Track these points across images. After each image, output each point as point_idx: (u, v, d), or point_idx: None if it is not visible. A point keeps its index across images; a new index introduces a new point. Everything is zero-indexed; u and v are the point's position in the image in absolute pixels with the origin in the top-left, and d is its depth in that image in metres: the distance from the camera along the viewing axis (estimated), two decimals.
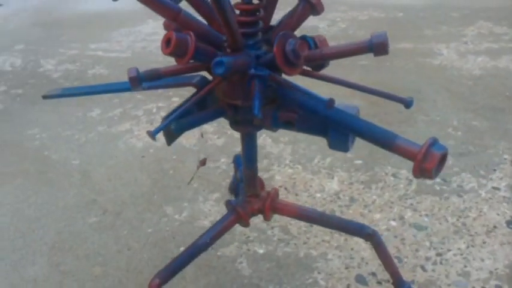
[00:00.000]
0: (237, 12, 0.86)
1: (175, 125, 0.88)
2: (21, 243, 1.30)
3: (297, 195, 1.41)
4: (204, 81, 0.95)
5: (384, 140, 0.79)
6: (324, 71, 0.93)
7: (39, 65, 2.47)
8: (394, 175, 1.47)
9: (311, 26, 2.63)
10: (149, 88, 0.93)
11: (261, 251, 1.22)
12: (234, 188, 1.43)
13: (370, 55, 2.45)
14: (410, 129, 1.70)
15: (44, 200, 1.46)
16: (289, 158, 1.59)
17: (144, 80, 0.90)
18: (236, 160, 1.30)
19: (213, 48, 0.85)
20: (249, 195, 1.06)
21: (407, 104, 1.03)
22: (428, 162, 0.72)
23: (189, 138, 1.72)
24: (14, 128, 1.88)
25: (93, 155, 1.67)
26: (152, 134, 0.85)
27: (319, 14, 0.95)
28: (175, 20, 0.83)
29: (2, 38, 2.86)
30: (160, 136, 0.91)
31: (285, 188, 1.44)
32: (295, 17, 0.91)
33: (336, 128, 0.87)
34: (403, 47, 2.32)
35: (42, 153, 1.70)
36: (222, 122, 1.32)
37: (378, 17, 2.69)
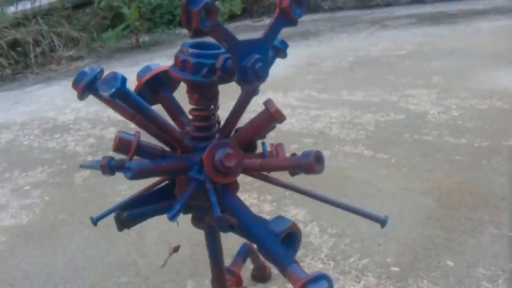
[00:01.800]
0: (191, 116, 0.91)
1: (128, 213, 0.96)
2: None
3: None
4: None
5: (280, 263, 0.78)
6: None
7: None
8: None
9: (421, 111, 2.52)
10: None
11: None
12: (256, 275, 1.44)
13: (469, 149, 2.33)
14: (472, 240, 1.52)
15: (97, 253, 1.63)
16: (326, 252, 1.54)
17: (114, 169, 0.99)
18: (241, 250, 1.32)
19: (164, 147, 0.91)
20: None
21: (382, 223, 0.97)
22: None
23: None
24: (106, 181, 2.13)
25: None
26: (93, 221, 0.94)
27: (280, 123, 0.96)
28: (132, 120, 0.92)
29: None
30: None
31: None
32: (255, 125, 0.94)
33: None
34: (510, 145, 2.10)
35: None
36: None
37: (499, 108, 2.47)
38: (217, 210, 0.81)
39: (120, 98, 0.79)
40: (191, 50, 0.83)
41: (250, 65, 0.77)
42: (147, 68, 0.95)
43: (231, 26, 5.25)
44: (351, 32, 4.49)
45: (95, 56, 4.59)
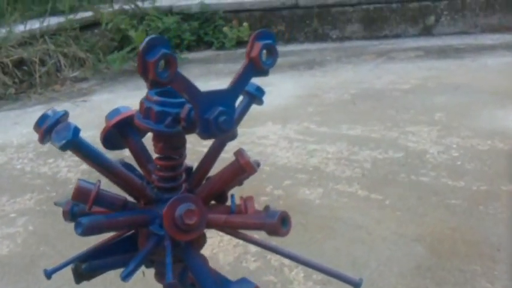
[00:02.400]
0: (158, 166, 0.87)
1: (87, 265, 0.91)
2: None
3: None
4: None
5: None
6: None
7: None
8: None
9: (420, 149, 2.46)
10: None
11: None
12: None
13: (466, 193, 2.24)
14: None
15: None
16: None
17: (77, 216, 0.95)
18: None
19: (126, 197, 0.87)
20: None
21: (356, 285, 0.91)
22: None
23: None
24: None
25: None
26: (46, 274, 0.89)
27: (250, 175, 0.91)
28: (93, 167, 0.88)
29: None
30: None
31: None
32: (224, 177, 0.89)
33: None
34: (509, 190, 2.03)
35: None
36: None
37: (500, 149, 2.41)
38: (169, 274, 0.76)
39: (72, 150, 0.75)
40: (155, 98, 0.80)
41: (213, 118, 0.73)
42: (116, 111, 0.91)
43: (237, 52, 5.26)
44: (357, 63, 4.46)
45: (99, 77, 4.60)
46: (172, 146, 0.84)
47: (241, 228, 0.84)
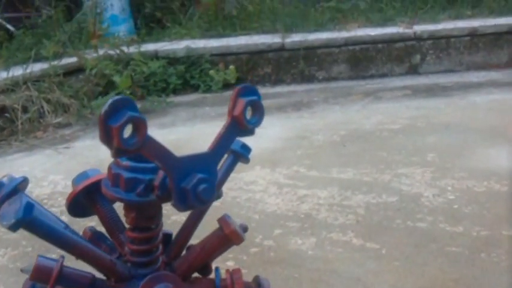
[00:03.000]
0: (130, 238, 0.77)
1: None
2: None
3: None
4: None
5: None
6: None
7: None
8: None
9: (415, 193, 2.38)
10: None
11: None
12: None
13: (466, 240, 2.09)
14: None
15: None
16: None
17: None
18: None
19: (93, 275, 0.76)
20: None
21: None
22: None
23: None
24: None
25: None
26: None
27: (238, 245, 0.81)
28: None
29: None
30: None
31: None
32: (207, 248, 0.79)
33: None
34: (511, 235, 1.94)
35: None
36: None
37: (498, 191, 2.33)
38: None
39: (24, 229, 0.65)
40: (125, 163, 0.70)
41: (190, 187, 0.64)
42: (84, 175, 0.82)
43: (224, 95, 5.22)
44: (344, 103, 4.42)
45: (83, 123, 4.50)
46: (146, 216, 0.74)
47: None
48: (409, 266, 1.79)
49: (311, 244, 1.99)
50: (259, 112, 0.66)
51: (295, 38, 5.55)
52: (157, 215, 0.75)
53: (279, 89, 5.39)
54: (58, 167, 3.28)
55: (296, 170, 2.84)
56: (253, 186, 2.66)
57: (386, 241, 1.96)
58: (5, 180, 0.75)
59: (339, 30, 5.68)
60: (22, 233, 2.24)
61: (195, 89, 5.46)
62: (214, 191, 0.66)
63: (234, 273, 0.79)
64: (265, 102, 3.97)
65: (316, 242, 2.00)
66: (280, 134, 3.57)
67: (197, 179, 0.64)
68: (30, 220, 0.63)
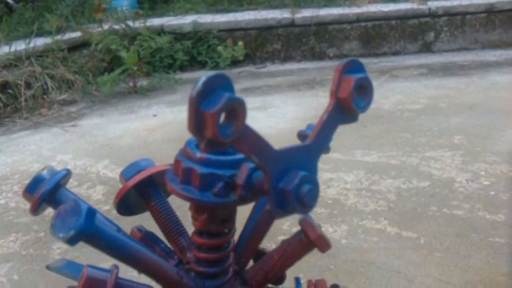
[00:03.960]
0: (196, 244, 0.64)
1: None
2: None
3: None
4: None
5: None
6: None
7: None
8: None
9: (446, 177, 2.25)
10: None
11: None
12: None
13: (509, 229, 1.90)
14: None
15: None
16: None
17: None
18: None
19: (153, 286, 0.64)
20: None
21: None
22: None
23: None
24: (89, 256, 1.84)
25: None
26: None
27: (324, 252, 0.69)
28: None
29: (137, 151, 2.98)
30: None
31: None
32: (288, 256, 0.67)
33: None
34: None
35: None
36: None
37: None
38: None
39: (84, 241, 0.52)
40: (199, 155, 0.57)
41: (292, 188, 0.51)
42: (135, 166, 0.69)
43: (233, 72, 5.07)
44: None
45: (89, 100, 4.35)
46: (220, 219, 0.61)
47: None
48: (451, 257, 1.67)
49: (343, 232, 1.88)
50: (368, 93, 0.53)
51: (306, 13, 5.37)
52: (232, 218, 0.63)
53: (289, 66, 5.23)
54: (66, 146, 3.15)
55: None
56: None
57: (423, 230, 1.85)
58: (45, 173, 0.62)
59: (349, 6, 5.51)
60: (33, 216, 2.12)
61: (202, 65, 5.29)
62: (318, 194, 0.54)
63: (319, 285, 0.67)
64: (276, 80, 3.92)
65: (348, 230, 1.88)
66: (296, 113, 3.43)
67: (300, 178, 0.51)
68: (93, 231, 0.51)
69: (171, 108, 3.83)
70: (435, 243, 1.76)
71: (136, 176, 0.68)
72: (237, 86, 4.64)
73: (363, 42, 5.45)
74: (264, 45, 5.50)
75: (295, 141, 2.66)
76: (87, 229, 0.48)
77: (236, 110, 0.46)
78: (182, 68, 5.13)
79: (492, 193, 2.09)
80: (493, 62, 4.51)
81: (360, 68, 0.55)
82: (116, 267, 0.60)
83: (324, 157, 2.61)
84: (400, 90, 3.83)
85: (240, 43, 5.20)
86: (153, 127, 3.41)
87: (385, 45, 5.42)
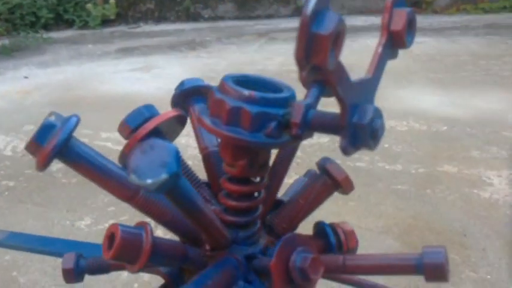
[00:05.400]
0: (225, 193, 0.59)
1: None
2: None
3: None
4: (175, 275, 0.67)
5: None
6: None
7: None
8: None
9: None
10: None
11: None
12: None
13: (408, 177, 2.02)
14: None
15: None
16: None
17: (85, 273, 0.64)
18: None
19: (183, 243, 0.59)
20: None
21: None
22: None
23: None
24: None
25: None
26: None
27: (347, 194, 0.69)
28: (130, 201, 0.58)
29: (15, 116, 2.70)
30: None
31: None
32: (312, 196, 0.65)
33: None
34: (447, 170, 2.03)
35: (9, 274, 1.44)
36: None
37: (419, 130, 2.43)
38: None
39: (167, 192, 0.45)
40: (247, 93, 0.51)
41: (367, 123, 0.49)
42: (139, 113, 0.61)
43: (105, 32, 4.78)
44: (240, 43, 4.29)
45: None
46: (259, 164, 0.56)
47: (373, 273, 0.60)
48: (364, 205, 1.78)
49: None
50: (414, 28, 0.52)
51: None
52: (268, 161, 0.58)
53: (163, 26, 5.06)
54: None
55: None
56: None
57: None
58: (52, 119, 0.52)
59: None
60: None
61: (70, 24, 4.90)
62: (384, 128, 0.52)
63: (349, 233, 0.66)
64: (154, 41, 3.77)
65: None
66: (183, 74, 3.34)
67: (373, 112, 0.49)
68: (180, 178, 0.43)
69: (43, 70, 3.50)
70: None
71: (147, 125, 0.60)
72: (112, 47, 4.37)
73: (237, 5, 5.46)
74: (137, 4, 5.25)
75: None
76: (179, 173, 0.41)
77: (341, 34, 0.42)
78: (47, 27, 4.69)
79: (386, 145, 2.24)
80: (361, 27, 4.81)
81: (403, 2, 0.53)
82: (148, 224, 0.53)
83: None
84: (281, 52, 3.92)
85: (112, 1, 4.89)
86: (27, 89, 3.09)
87: (259, 8, 5.48)
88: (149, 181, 0.40)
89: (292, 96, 0.54)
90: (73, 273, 0.62)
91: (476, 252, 1.54)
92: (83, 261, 0.63)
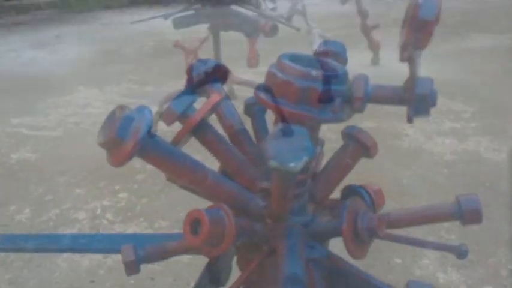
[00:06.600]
0: None
1: None
2: None
3: None
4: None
5: None
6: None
7: None
8: None
9: None
10: None
11: None
12: None
13: (333, 135, 2.07)
14: None
15: None
16: None
17: (144, 263, 0.64)
18: None
19: (247, 219, 0.61)
20: None
21: (461, 254, 0.82)
22: None
23: None
24: None
25: (23, 279, 1.33)
26: None
27: (372, 158, 0.74)
28: (200, 184, 0.58)
29: None
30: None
31: None
32: (344, 163, 0.70)
33: None
34: (367, 126, 2.17)
35: None
36: None
37: None
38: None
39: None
40: (315, 73, 0.54)
41: (430, 92, 0.54)
42: (185, 98, 0.60)
43: None
44: None
45: None
46: (314, 137, 0.59)
47: (419, 223, 0.66)
48: None
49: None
50: None
51: None
52: (317, 134, 0.62)
53: None
54: None
55: (127, 86, 2.60)
56: (91, 109, 2.37)
57: None
58: (130, 113, 0.50)
59: None
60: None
61: None
62: None
63: (373, 187, 0.72)
64: None
65: None
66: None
67: (432, 84, 0.55)
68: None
69: None
70: None
71: (199, 113, 0.60)
72: None
73: None
74: None
75: (88, 80, 2.47)
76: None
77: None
78: None
79: None
80: None
81: None
82: (223, 205, 0.54)
83: (134, 91, 2.52)
84: None
85: None
86: None
87: None
88: (292, 164, 0.42)
89: (347, 72, 0.58)
90: (135, 264, 0.61)
91: (415, 199, 1.69)
92: (141, 252, 0.62)
